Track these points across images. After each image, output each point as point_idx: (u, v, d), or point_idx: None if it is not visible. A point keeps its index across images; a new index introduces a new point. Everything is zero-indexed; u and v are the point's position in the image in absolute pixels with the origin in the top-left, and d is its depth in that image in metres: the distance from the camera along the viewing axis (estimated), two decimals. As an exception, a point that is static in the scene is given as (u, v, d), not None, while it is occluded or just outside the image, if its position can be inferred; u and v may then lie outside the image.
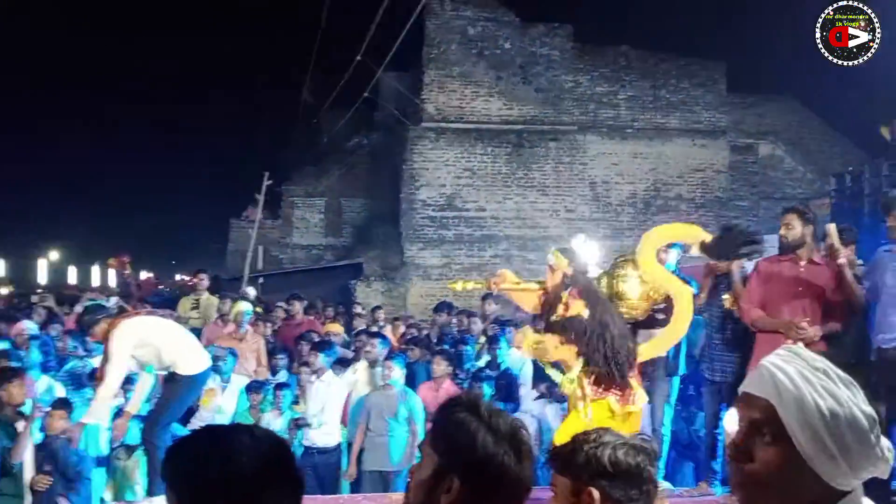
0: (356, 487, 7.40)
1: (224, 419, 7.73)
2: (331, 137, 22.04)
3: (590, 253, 5.63)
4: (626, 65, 19.82)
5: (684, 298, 5.41)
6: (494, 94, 18.93)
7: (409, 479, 2.00)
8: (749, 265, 6.20)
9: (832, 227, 5.51)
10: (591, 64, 19.63)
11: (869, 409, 1.45)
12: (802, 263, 5.50)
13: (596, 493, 1.87)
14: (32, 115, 38.64)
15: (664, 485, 6.53)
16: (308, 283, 18.36)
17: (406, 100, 19.30)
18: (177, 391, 6.42)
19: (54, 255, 41.51)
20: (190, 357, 6.42)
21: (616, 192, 19.56)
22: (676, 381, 6.68)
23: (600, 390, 5.14)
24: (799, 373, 1.47)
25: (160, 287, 27.44)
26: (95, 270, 41.03)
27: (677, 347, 6.66)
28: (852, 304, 5.42)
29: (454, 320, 10.85)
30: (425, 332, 11.05)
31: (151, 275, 34.73)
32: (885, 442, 1.47)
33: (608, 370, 5.07)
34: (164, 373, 6.49)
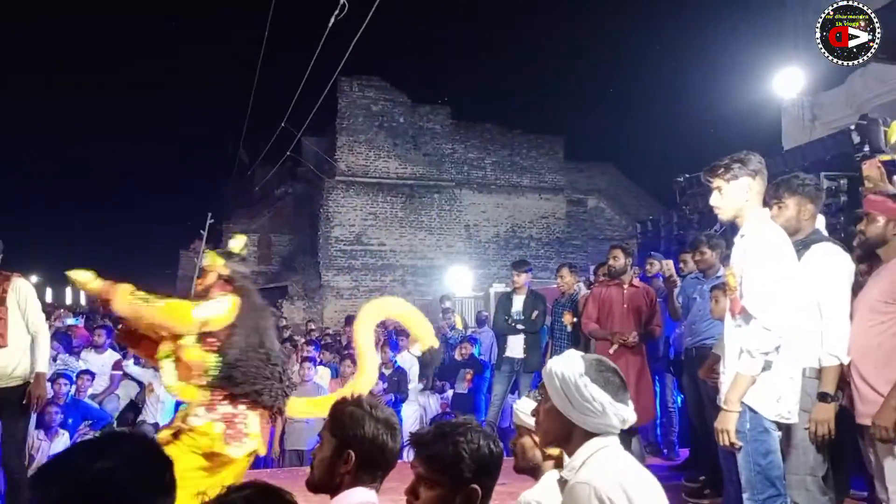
0: (279, 464, 7.04)
1: (167, 410, 7.23)
2: (262, 187, 21.46)
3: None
4: (490, 137, 20.11)
5: (369, 373, 3.87)
6: (392, 156, 18.85)
7: (312, 458, 2.09)
8: (584, 290, 6.24)
9: (671, 263, 5.69)
10: (464, 136, 19.83)
11: (580, 371, 1.83)
12: (626, 287, 5.58)
13: (479, 490, 1.76)
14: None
15: None
16: (243, 301, 17.67)
17: (322, 158, 19.00)
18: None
19: (33, 278, 38.58)
20: None
21: (484, 232, 19.74)
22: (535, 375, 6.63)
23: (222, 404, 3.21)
24: (558, 364, 1.89)
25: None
26: (68, 291, 38.38)
27: (538, 349, 6.61)
28: (673, 315, 5.58)
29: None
30: (338, 339, 10.75)
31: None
32: (601, 396, 1.79)
33: (247, 384, 3.21)
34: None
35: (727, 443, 2.76)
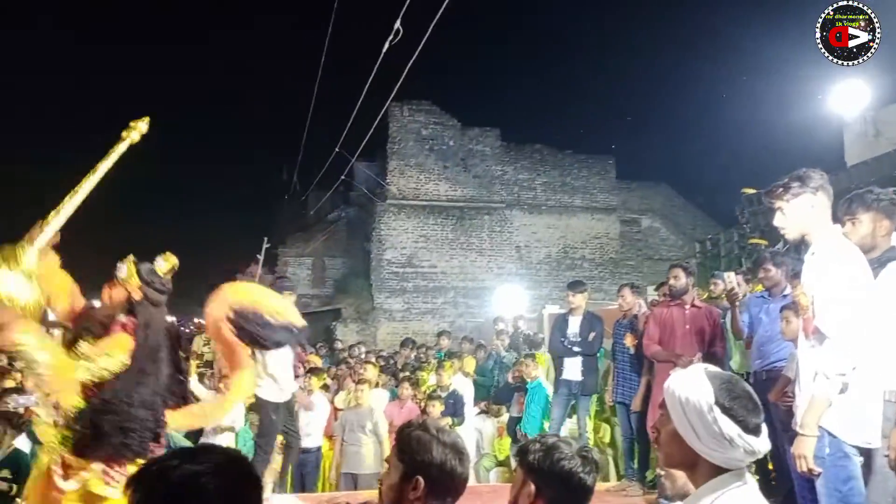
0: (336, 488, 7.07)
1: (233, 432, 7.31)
2: (316, 211, 21.88)
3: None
4: (540, 158, 20.09)
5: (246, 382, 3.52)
6: (442, 179, 19.00)
7: (379, 485, 2.05)
8: (644, 309, 6.12)
9: (732, 275, 5.46)
10: (514, 157, 19.87)
11: (709, 400, 1.60)
12: (687, 307, 5.47)
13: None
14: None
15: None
16: (297, 324, 17.94)
17: (374, 182, 19.28)
18: None
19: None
20: None
21: (535, 253, 19.65)
22: (594, 398, 6.53)
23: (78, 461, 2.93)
24: (683, 387, 1.65)
25: (182, 329, 26.55)
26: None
27: (596, 372, 6.52)
28: (735, 334, 5.40)
29: (413, 353, 10.62)
30: (392, 362, 10.79)
31: (174, 319, 33.53)
32: (731, 428, 1.58)
33: (114, 436, 2.90)
34: None
35: (805, 469, 2.67)
